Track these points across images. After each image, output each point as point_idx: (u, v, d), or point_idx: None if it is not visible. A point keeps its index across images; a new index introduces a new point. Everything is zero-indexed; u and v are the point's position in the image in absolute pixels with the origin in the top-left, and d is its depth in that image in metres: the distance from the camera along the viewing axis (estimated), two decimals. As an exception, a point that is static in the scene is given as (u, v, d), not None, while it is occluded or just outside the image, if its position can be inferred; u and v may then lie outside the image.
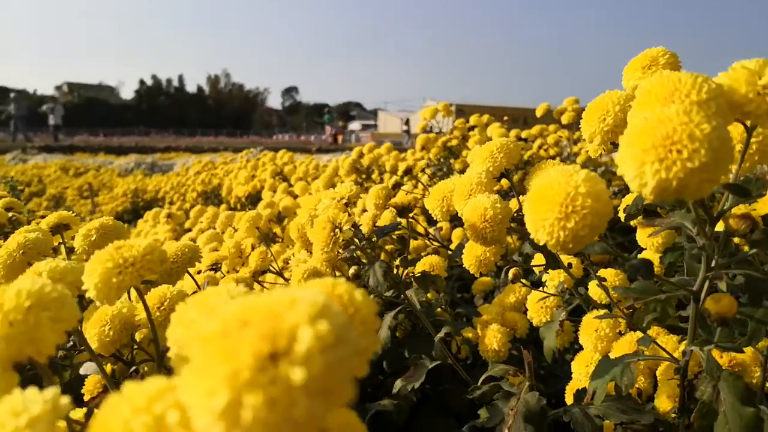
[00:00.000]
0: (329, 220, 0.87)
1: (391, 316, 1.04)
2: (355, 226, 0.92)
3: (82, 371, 0.70)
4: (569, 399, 1.07)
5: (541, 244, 0.61)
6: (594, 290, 1.17)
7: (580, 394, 0.96)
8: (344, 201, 0.89)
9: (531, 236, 0.62)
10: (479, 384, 1.05)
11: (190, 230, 2.82)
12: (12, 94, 21.24)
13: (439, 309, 1.59)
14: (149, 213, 3.16)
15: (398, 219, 1.11)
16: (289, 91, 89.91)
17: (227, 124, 62.24)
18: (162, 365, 0.63)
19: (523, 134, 3.39)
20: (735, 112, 0.56)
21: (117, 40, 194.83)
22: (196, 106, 75.40)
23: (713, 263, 0.64)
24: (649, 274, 0.65)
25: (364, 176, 3.32)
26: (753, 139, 0.62)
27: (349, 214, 0.90)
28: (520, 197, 0.95)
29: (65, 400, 0.35)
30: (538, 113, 3.24)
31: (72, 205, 9.05)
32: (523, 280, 1.33)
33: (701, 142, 0.48)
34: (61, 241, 1.09)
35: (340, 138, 25.37)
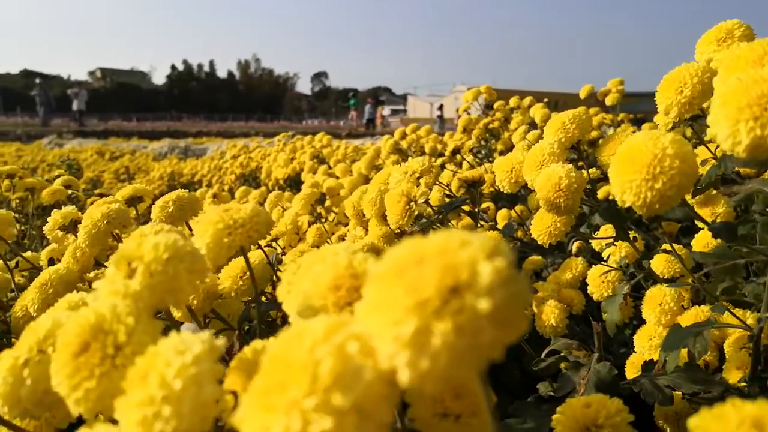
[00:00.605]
0: (404, 194, 0.88)
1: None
2: (427, 201, 0.93)
3: (183, 329, 0.73)
4: (630, 372, 1.07)
5: (627, 205, 0.62)
6: (657, 264, 1.17)
7: (647, 365, 0.96)
8: (416, 175, 0.91)
9: (616, 198, 0.63)
10: (543, 357, 1.06)
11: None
12: (37, 80, 21.64)
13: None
14: (200, 191, 3.23)
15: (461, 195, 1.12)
16: (319, 76, 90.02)
17: (257, 109, 62.68)
18: (263, 324, 0.66)
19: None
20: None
21: (149, 26, 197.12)
22: (227, 91, 76.05)
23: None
24: (732, 237, 0.65)
25: (404, 158, 3.34)
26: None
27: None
28: (590, 169, 0.95)
29: (220, 341, 0.38)
30: (582, 95, 3.20)
31: (109, 188, 9.26)
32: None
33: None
34: (135, 214, 1.13)
35: (378, 122, 25.11)
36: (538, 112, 3.02)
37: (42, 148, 15.49)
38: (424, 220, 0.90)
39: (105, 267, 1.04)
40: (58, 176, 2.10)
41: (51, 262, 1.05)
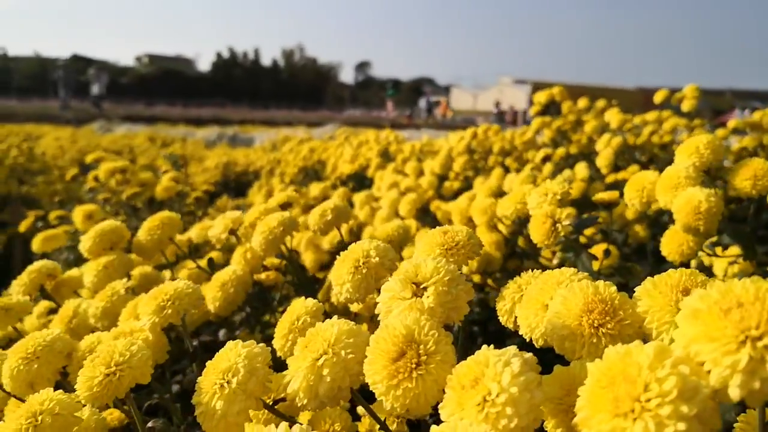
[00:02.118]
0: (548, 215, 0.97)
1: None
2: (558, 221, 1.01)
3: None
4: None
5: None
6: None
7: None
8: (557, 197, 0.99)
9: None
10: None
11: (312, 206, 2.99)
12: (60, 62, 21.97)
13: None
14: (275, 183, 3.35)
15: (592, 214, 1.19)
16: (362, 66, 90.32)
17: (300, 98, 63.30)
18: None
19: (636, 120, 3.37)
20: None
21: (196, 13, 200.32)
22: (270, 79, 76.97)
23: None
24: None
25: (476, 157, 3.41)
26: None
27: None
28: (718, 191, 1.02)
29: (529, 354, 0.47)
30: (657, 99, 3.21)
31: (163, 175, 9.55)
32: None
33: None
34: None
35: (449, 113, 24.68)
36: (614, 117, 3.06)
37: (94, 133, 16.01)
38: (563, 238, 0.98)
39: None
40: (165, 172, 2.24)
41: (211, 263, 1.16)
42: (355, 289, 0.68)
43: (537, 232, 0.98)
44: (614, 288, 0.54)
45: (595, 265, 1.13)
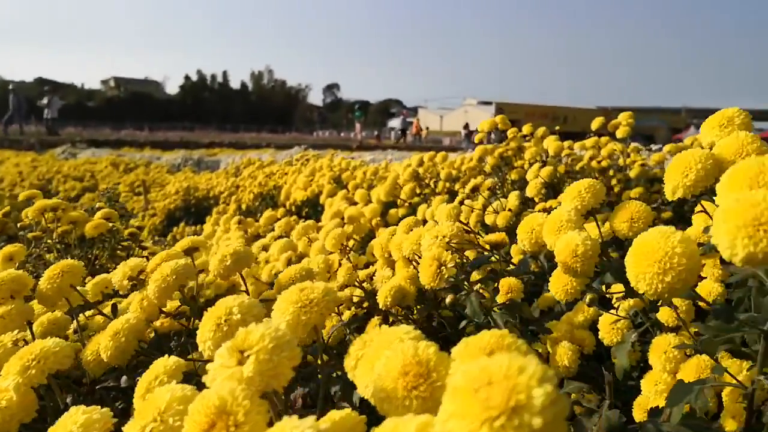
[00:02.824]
0: (435, 258, 1.00)
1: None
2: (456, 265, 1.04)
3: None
4: (637, 414, 1.18)
5: (641, 292, 0.73)
6: (663, 314, 1.28)
7: (654, 411, 1.07)
8: (446, 240, 1.02)
9: (631, 285, 0.74)
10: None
11: (259, 236, 2.99)
12: (10, 86, 21.36)
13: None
14: (222, 218, 3.35)
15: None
16: (331, 88, 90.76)
17: (269, 120, 63.20)
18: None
19: (577, 146, 3.47)
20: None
21: (164, 36, 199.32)
22: (240, 101, 76.78)
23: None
24: (729, 320, 0.76)
25: (423, 183, 3.45)
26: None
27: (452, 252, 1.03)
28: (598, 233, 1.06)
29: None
30: (594, 126, 3.31)
31: (125, 202, 9.43)
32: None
33: (786, 224, 0.59)
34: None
35: (423, 133, 24.78)
36: (551, 144, 3.14)
37: (56, 159, 15.73)
38: (452, 279, 1.01)
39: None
40: (99, 209, 2.22)
41: (114, 309, 1.16)
42: (216, 347, 0.69)
43: (424, 274, 1.01)
44: (434, 349, 0.57)
45: (497, 301, 1.16)
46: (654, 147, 4.13)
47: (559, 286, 1.09)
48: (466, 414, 0.40)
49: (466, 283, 1.07)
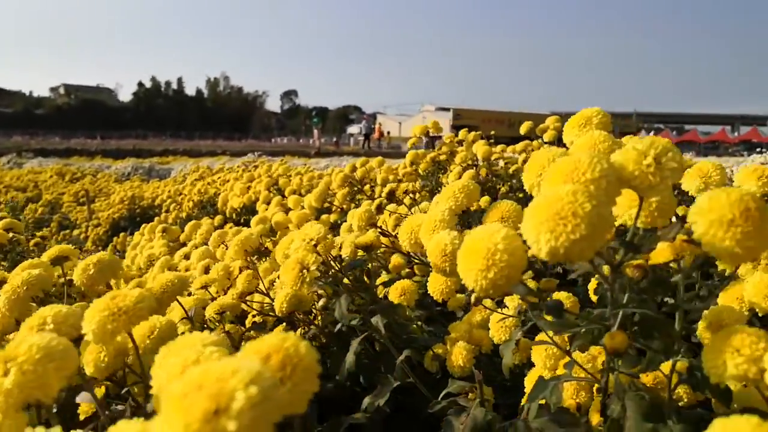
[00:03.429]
0: (298, 262, 0.98)
1: (357, 341, 1.15)
2: (325, 263, 1.03)
3: (78, 399, 0.80)
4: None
5: (470, 289, 0.72)
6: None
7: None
8: (313, 243, 1.00)
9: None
10: (440, 399, 1.16)
11: (185, 244, 2.92)
12: None
13: (414, 326, 1.70)
14: (145, 226, 3.27)
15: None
16: (289, 94, 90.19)
17: (226, 127, 62.38)
18: (148, 389, 0.74)
19: (509, 149, 3.52)
20: (625, 185, 0.68)
21: (117, 42, 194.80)
22: (195, 108, 75.59)
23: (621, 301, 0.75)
24: (559, 314, 0.76)
25: (357, 188, 3.43)
26: (646, 204, 0.74)
27: (319, 254, 1.01)
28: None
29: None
30: (522, 131, 3.36)
31: (68, 212, 9.15)
32: (488, 302, 1.45)
33: (582, 218, 0.59)
34: (60, 273, 1.20)
35: (386, 138, 24.74)
36: (480, 149, 3.17)
37: (1, 168, 15.20)
38: (322, 282, 0.99)
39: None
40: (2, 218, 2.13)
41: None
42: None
43: (287, 276, 0.99)
44: (217, 355, 0.55)
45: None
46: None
47: (436, 286, 1.09)
48: (171, 420, 0.38)
49: (337, 285, 1.05)
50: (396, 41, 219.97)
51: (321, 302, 1.06)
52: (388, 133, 32.28)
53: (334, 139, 37.56)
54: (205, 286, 1.54)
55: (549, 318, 0.82)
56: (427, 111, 43.59)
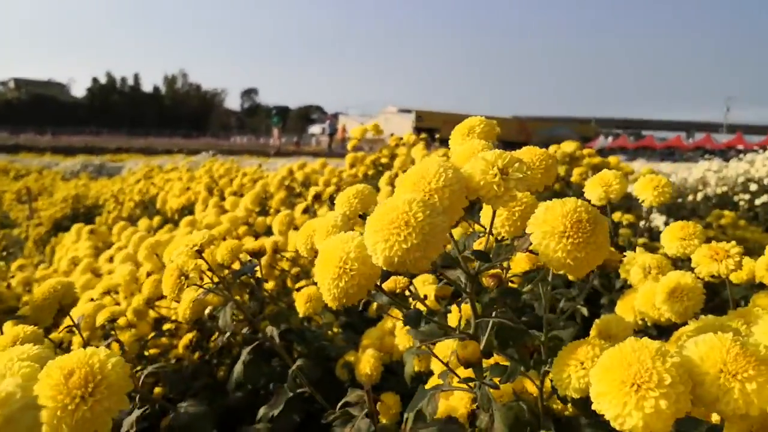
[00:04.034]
0: (177, 268, 0.95)
1: (246, 351, 1.12)
2: (211, 269, 1.00)
3: None
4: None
5: (324, 299, 0.71)
6: (452, 319, 1.29)
7: (418, 415, 1.06)
8: (196, 248, 0.97)
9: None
10: (337, 409, 1.14)
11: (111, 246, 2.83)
12: None
13: (330, 332, 1.69)
14: (75, 227, 3.16)
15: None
16: (249, 93, 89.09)
17: (184, 125, 61.19)
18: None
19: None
20: (473, 195, 0.67)
21: (70, 36, 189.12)
22: (152, 105, 73.92)
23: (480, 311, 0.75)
24: (415, 324, 0.76)
25: (297, 192, 3.40)
26: (509, 213, 0.74)
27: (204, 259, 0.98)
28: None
29: None
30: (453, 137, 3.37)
31: (8, 210, 8.83)
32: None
33: (413, 228, 0.58)
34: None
35: (341, 137, 24.53)
36: (418, 153, 3.18)
37: (-61, 166, 14.57)
38: (206, 290, 0.96)
39: None
40: None
41: None
42: None
43: (166, 284, 0.96)
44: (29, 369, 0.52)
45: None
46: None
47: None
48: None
49: (225, 292, 1.02)
50: (359, 41, 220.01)
51: (207, 310, 1.03)
52: (348, 136, 32.34)
53: (295, 139, 37.29)
54: (107, 292, 1.49)
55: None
56: (389, 112, 43.65)
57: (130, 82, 76.33)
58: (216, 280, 1.05)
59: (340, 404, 1.19)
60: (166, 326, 1.64)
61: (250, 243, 1.14)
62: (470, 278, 0.72)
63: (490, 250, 0.72)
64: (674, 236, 1.23)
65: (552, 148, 3.63)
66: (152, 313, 1.63)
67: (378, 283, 0.73)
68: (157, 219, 3.95)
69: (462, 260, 0.71)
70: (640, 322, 1.12)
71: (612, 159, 3.33)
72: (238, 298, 1.51)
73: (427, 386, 1.21)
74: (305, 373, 1.34)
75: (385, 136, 4.07)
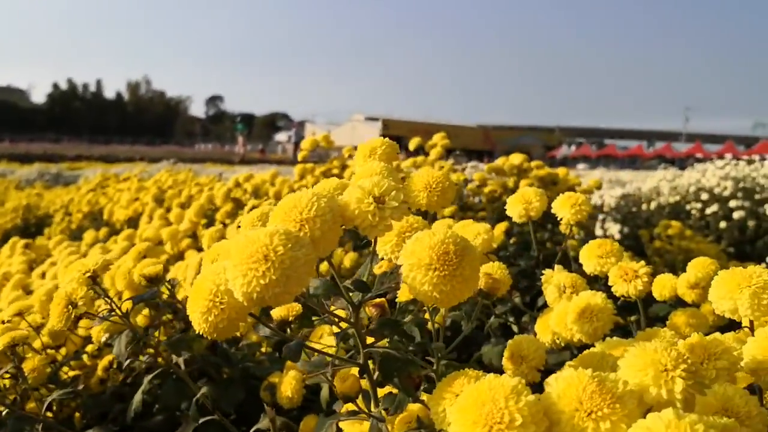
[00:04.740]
0: (66, 296, 0.90)
1: (147, 380, 1.08)
2: (106, 295, 0.96)
3: None
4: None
5: (198, 331, 0.68)
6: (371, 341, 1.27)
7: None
8: (89, 275, 0.92)
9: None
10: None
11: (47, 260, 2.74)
12: None
13: (258, 353, 1.64)
14: (11, 240, 3.05)
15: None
16: (214, 100, 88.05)
17: (148, 132, 60.14)
18: None
19: (405, 164, 3.53)
20: (350, 224, 0.65)
21: (29, 41, 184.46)
22: (115, 112, 72.50)
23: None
24: (294, 357, 0.73)
25: (238, 206, 3.33)
26: (397, 237, 0.73)
27: (97, 284, 0.94)
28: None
29: None
30: (411, 147, 3.38)
31: (-47, 220, 8.51)
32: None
33: (273, 263, 0.56)
34: None
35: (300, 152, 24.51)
36: (357, 163, 3.15)
37: None
38: (102, 317, 0.92)
39: None
40: None
41: None
42: None
43: (53, 313, 0.91)
44: None
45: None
46: (480, 165, 4.25)
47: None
48: None
49: (123, 319, 0.98)
50: (327, 49, 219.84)
51: (104, 338, 0.99)
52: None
53: (260, 147, 37.04)
54: (20, 313, 1.42)
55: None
56: (356, 120, 43.69)
57: (92, 88, 74.82)
58: (119, 304, 1.01)
59: (252, 430, 1.15)
60: (89, 347, 1.58)
61: (148, 268, 1.09)
62: (354, 308, 0.70)
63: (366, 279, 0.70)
64: (592, 254, 1.23)
65: (500, 161, 3.65)
66: (82, 332, 1.56)
67: (258, 313, 0.70)
68: (104, 231, 3.84)
69: (344, 290, 0.69)
70: (557, 341, 1.11)
71: (561, 170, 3.35)
72: (165, 317, 1.46)
73: (342, 410, 1.19)
74: (225, 397, 1.30)
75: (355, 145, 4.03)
